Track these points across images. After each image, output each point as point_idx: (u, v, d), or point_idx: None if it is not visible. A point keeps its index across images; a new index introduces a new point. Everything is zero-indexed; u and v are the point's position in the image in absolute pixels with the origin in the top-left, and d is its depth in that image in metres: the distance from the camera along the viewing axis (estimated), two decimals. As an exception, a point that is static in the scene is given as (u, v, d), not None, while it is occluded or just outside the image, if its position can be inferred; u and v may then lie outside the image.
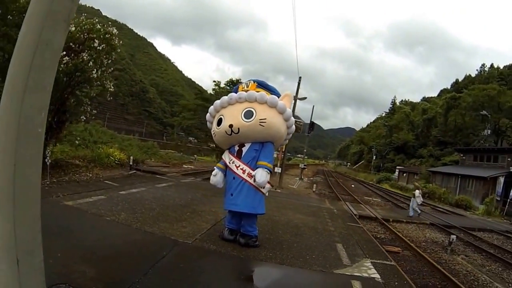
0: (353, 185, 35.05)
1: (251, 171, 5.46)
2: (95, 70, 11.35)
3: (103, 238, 4.85)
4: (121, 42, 12.72)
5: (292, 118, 5.83)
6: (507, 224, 17.81)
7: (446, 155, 50.48)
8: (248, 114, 5.37)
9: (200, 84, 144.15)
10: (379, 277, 5.17)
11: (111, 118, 68.37)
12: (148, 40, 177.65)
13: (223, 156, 5.98)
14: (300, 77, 28.62)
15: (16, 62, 1.85)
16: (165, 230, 5.78)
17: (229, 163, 5.68)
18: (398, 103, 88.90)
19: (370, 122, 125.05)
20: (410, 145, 64.06)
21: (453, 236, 9.34)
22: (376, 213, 13.60)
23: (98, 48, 11.00)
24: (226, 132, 5.47)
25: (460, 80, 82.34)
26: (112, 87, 13.12)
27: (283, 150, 22.33)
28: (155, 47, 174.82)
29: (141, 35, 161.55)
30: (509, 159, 28.82)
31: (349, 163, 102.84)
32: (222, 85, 45.40)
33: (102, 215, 6.00)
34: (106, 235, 5.03)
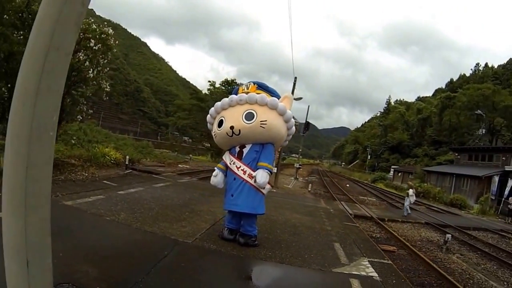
0: (348, 185, 35.25)
1: (251, 172, 5.51)
2: (91, 70, 11.34)
3: (104, 238, 4.87)
4: (116, 42, 12.71)
5: (292, 119, 5.89)
6: (502, 223, 18.08)
7: (441, 155, 50.89)
8: (249, 116, 5.42)
9: (194, 84, 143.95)
10: (377, 275, 5.26)
11: (105, 118, 68.08)
12: (142, 39, 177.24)
13: (223, 157, 6.03)
14: (295, 78, 28.73)
15: (27, 66, 1.86)
16: (165, 229, 5.81)
17: (230, 164, 5.74)
18: (393, 103, 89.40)
19: (365, 122, 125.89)
20: (405, 144, 64.46)
21: (448, 235, 9.48)
22: (371, 213, 13.72)
23: (94, 48, 10.99)
24: (227, 133, 5.51)
25: (454, 80, 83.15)
26: (108, 87, 13.11)
27: (279, 150, 22.41)
28: (148, 47, 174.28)
29: (134, 34, 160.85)
30: (503, 158, 29.11)
31: (343, 163, 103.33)
32: (217, 85, 45.52)
33: (102, 215, 6.01)
34: (106, 235, 5.05)
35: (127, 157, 15.97)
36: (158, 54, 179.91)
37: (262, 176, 5.40)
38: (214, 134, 5.89)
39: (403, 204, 14.93)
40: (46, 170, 1.96)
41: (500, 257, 9.20)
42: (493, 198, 23.97)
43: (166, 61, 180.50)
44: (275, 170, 19.34)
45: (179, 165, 23.42)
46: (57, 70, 1.88)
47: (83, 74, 10.95)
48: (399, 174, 50.62)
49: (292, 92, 26.77)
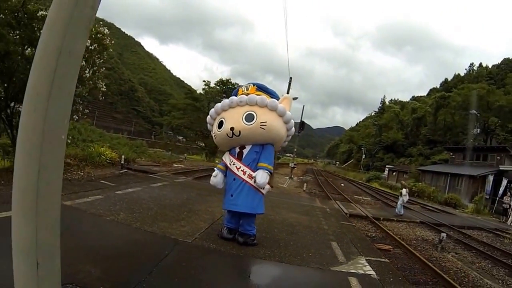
0: (342, 184, 35.41)
1: (251, 173, 5.58)
2: (87, 69, 11.31)
3: (104, 237, 4.90)
4: (112, 42, 12.68)
5: (292, 121, 5.96)
6: (496, 222, 18.28)
7: (436, 154, 51.20)
8: (249, 117, 5.48)
9: (188, 83, 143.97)
10: (374, 273, 5.35)
11: (99, 117, 67.69)
12: (136, 39, 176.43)
13: (223, 158, 6.08)
14: (290, 78, 28.81)
15: (38, 70, 1.88)
16: (164, 229, 5.84)
17: (230, 164, 5.79)
18: (387, 102, 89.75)
19: (360, 121, 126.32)
20: (399, 144, 64.81)
21: (443, 234, 9.58)
22: (366, 212, 13.81)
23: (90, 48, 10.95)
24: (227, 134, 5.57)
25: (449, 79, 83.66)
26: (104, 87, 13.09)
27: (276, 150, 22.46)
28: (142, 46, 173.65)
29: (128, 34, 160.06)
30: (498, 157, 29.35)
31: (338, 162, 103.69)
32: (212, 84, 45.50)
33: (101, 215, 6.02)
34: (107, 234, 5.08)
35: (123, 156, 15.96)
36: (152, 54, 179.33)
37: (262, 177, 5.47)
38: (214, 135, 5.93)
39: (398, 203, 15.06)
40: (57, 172, 1.99)
41: (495, 256, 9.33)
42: (488, 197, 24.12)
43: (160, 60, 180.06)
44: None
45: (174, 165, 23.41)
46: (69, 74, 1.91)
47: (80, 74, 10.91)
48: (394, 173, 50.91)
49: (287, 92, 26.89)
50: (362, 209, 14.67)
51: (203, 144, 45.98)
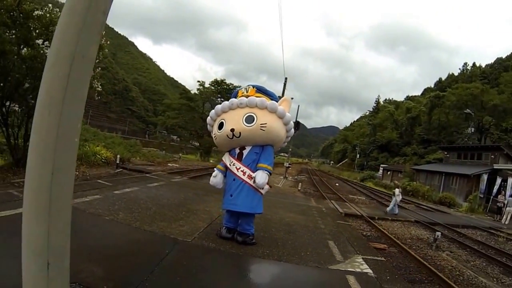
0: (337, 184, 35.59)
1: (251, 173, 5.66)
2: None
3: (105, 237, 4.94)
4: (108, 42, 12.67)
5: (291, 122, 6.05)
6: (491, 220, 18.45)
7: (430, 153, 51.41)
8: (249, 119, 5.57)
9: (183, 83, 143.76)
10: (372, 272, 5.45)
11: (93, 116, 67.31)
12: (129, 39, 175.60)
13: (223, 158, 6.16)
14: (286, 78, 28.94)
15: (51, 74, 1.91)
16: (164, 229, 5.89)
17: (230, 165, 5.87)
18: (382, 102, 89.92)
19: (354, 121, 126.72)
20: (394, 143, 65.06)
21: (438, 233, 9.71)
22: (361, 211, 13.93)
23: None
24: (227, 135, 5.65)
25: (443, 79, 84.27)
26: (100, 87, 13.07)
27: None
28: (136, 46, 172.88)
29: (122, 34, 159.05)
30: (492, 156, 29.54)
31: (332, 162, 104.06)
32: (206, 85, 45.44)
33: (100, 214, 6.05)
34: (107, 234, 5.11)
35: (118, 156, 15.96)
36: (145, 54, 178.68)
37: (261, 177, 5.56)
38: (215, 136, 6.00)
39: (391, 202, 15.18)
40: (70, 174, 2.04)
41: (489, 254, 9.47)
42: (482, 196, 24.25)
43: (153, 60, 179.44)
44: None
45: (169, 164, 23.39)
46: (82, 78, 1.95)
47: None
48: (388, 173, 51.18)
49: (283, 93, 27.01)
50: (357, 209, 14.79)
51: (198, 144, 45.94)
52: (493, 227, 15.00)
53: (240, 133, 5.56)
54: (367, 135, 76.82)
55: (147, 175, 13.71)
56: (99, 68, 12.40)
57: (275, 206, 10.84)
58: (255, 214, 6.04)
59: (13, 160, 10.03)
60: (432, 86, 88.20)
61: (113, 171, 14.01)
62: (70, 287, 3.26)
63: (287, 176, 32.28)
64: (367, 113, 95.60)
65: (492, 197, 22.62)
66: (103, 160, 15.03)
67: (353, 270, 5.41)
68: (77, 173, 10.63)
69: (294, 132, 6.43)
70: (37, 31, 9.76)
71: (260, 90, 6.05)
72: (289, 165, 35.76)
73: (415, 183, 33.25)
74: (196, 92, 46.20)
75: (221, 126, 5.79)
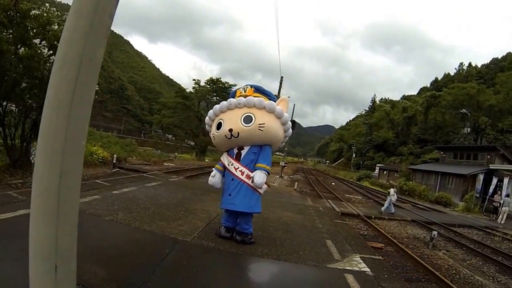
0: (333, 183, 35.66)
1: (249, 173, 5.70)
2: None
3: (106, 238, 4.95)
4: (105, 40, 12.62)
5: (289, 122, 6.09)
6: (486, 220, 18.58)
7: (426, 153, 51.59)
8: (248, 119, 5.60)
9: (178, 82, 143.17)
10: (369, 270, 5.52)
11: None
12: (125, 37, 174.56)
13: (221, 158, 6.20)
14: (281, 77, 28.99)
15: (59, 77, 1.92)
16: (163, 228, 5.92)
17: (228, 165, 5.90)
18: (378, 101, 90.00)
19: (350, 120, 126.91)
20: (390, 143, 65.20)
21: (435, 232, 9.80)
22: (358, 211, 14.00)
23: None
24: (226, 136, 5.68)
25: (439, 79, 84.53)
26: (97, 86, 13.01)
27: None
28: (131, 45, 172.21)
29: (117, 32, 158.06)
30: (488, 156, 29.69)
31: (328, 161, 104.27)
32: (202, 83, 45.35)
33: (100, 215, 6.06)
34: (108, 235, 5.13)
35: (115, 156, 15.94)
36: (141, 52, 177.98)
37: (260, 177, 5.61)
38: (213, 136, 6.03)
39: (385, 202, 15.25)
40: (77, 177, 2.06)
41: (485, 253, 9.59)
42: (478, 196, 24.31)
43: (149, 59, 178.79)
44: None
45: (165, 164, 23.36)
46: (89, 81, 1.97)
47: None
48: (385, 172, 51.34)
49: (279, 92, 27.06)
50: (354, 208, 14.88)
51: (193, 143, 45.85)
52: (489, 227, 15.12)
53: (238, 133, 5.60)
54: (363, 135, 76.98)
55: (144, 174, 13.70)
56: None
57: (272, 205, 10.88)
58: (253, 213, 6.09)
59: (10, 161, 9.97)
60: (428, 85, 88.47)
61: (110, 170, 13.99)
62: (75, 289, 3.30)
63: (283, 175, 32.30)
64: (363, 112, 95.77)
65: (488, 197, 22.77)
66: (100, 160, 15.02)
67: (351, 268, 5.48)
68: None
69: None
70: (34, 30, 9.71)
71: (258, 90, 6.09)
72: (285, 164, 35.81)
73: (411, 182, 33.39)
74: (192, 90, 46.09)
75: (219, 126, 5.82)
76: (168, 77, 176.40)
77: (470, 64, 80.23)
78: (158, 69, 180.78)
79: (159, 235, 5.51)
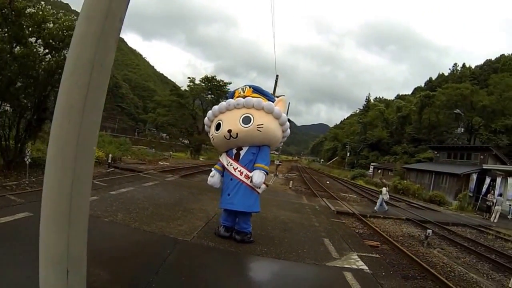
0: (328, 182, 35.80)
1: (248, 173, 5.76)
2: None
3: (106, 239, 4.95)
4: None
5: (287, 122, 6.15)
6: (480, 218, 18.80)
7: (420, 152, 51.67)
8: (246, 120, 5.66)
9: (172, 80, 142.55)
10: (367, 268, 5.62)
11: (82, 114, 66.15)
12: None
13: (220, 158, 6.25)
14: (277, 76, 29.01)
15: (70, 82, 1.93)
16: (163, 228, 5.96)
17: (227, 165, 5.95)
18: (372, 100, 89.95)
19: (344, 119, 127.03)
20: (384, 142, 65.20)
21: (429, 231, 9.93)
22: (353, 209, 14.09)
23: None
24: (225, 136, 5.73)
25: (433, 79, 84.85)
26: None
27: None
28: (126, 42, 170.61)
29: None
30: (481, 156, 29.98)
31: (322, 160, 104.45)
32: (197, 81, 45.20)
33: (99, 216, 6.06)
34: (108, 236, 5.13)
35: (110, 155, 15.88)
36: (135, 50, 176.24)
37: (259, 177, 5.68)
38: (212, 137, 6.07)
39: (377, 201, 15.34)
40: (88, 182, 2.09)
41: (479, 251, 9.73)
42: (471, 195, 24.59)
43: (143, 56, 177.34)
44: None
45: (160, 163, 23.28)
46: (101, 86, 2.00)
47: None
48: (379, 171, 51.54)
49: (274, 90, 27.08)
50: (349, 207, 14.98)
51: (188, 142, 45.70)
52: (483, 225, 15.31)
53: (237, 134, 5.65)
54: (358, 134, 76.99)
55: (140, 174, 13.67)
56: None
57: (269, 204, 10.92)
58: (252, 212, 6.14)
59: (4, 163, 9.86)
60: (423, 85, 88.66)
61: (105, 170, 13.93)
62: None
63: (277, 173, 32.32)
64: (357, 111, 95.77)
65: (481, 196, 23.05)
66: (95, 160, 14.92)
67: (350, 266, 5.57)
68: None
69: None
70: (29, 29, 9.62)
71: (257, 90, 6.14)
72: (280, 163, 35.84)
73: (405, 181, 33.60)
74: (187, 88, 45.92)
75: (218, 127, 5.87)
76: (162, 74, 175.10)
77: (464, 65, 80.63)
78: (153, 66, 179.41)
79: (159, 235, 5.54)
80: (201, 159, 38.40)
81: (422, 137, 57.72)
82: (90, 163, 2.05)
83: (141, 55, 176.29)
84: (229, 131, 5.66)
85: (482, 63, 79.19)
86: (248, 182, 5.76)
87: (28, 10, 9.60)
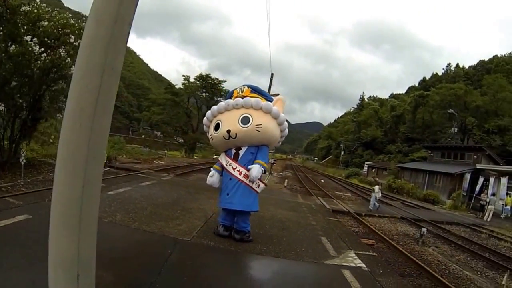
0: (322, 180, 35.95)
1: (247, 173, 5.81)
2: (72, 66, 11.10)
3: (106, 240, 4.91)
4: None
5: (286, 122, 6.21)
6: (473, 217, 19.07)
7: (414, 152, 51.96)
8: (245, 120, 5.71)
9: (166, 77, 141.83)
10: (365, 266, 5.72)
11: (75, 113, 65.68)
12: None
13: (219, 158, 6.28)
14: (272, 74, 29.02)
15: (80, 87, 1.93)
16: (162, 228, 5.98)
17: (226, 165, 5.99)
18: (366, 99, 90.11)
19: (338, 117, 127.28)
20: (378, 141, 65.41)
21: (424, 229, 10.06)
22: (348, 208, 14.20)
23: (74, 44, 10.74)
24: (224, 137, 5.77)
25: (427, 78, 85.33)
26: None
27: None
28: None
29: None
30: (475, 156, 30.37)
31: (316, 158, 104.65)
32: (191, 79, 45.05)
33: (99, 217, 5.99)
34: (108, 237, 5.10)
35: (105, 154, 15.79)
36: (129, 47, 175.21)
37: (257, 171, 5.73)
38: (211, 137, 6.10)
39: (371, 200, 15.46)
40: (98, 186, 2.11)
41: (473, 249, 9.92)
42: (465, 194, 24.91)
43: (137, 54, 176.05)
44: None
45: (155, 161, 23.17)
46: (111, 90, 2.01)
47: (64, 71, 10.68)
48: (373, 170, 51.83)
49: (269, 89, 27.10)
50: (344, 205, 15.07)
51: (182, 140, 45.58)
52: (476, 224, 15.56)
53: (236, 134, 5.70)
54: (352, 132, 77.15)
55: (136, 173, 13.62)
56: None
57: (265, 203, 10.94)
58: (251, 212, 6.19)
59: (-3, 164, 9.78)
60: (416, 84, 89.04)
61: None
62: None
63: (272, 172, 32.37)
64: (351, 110, 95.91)
65: (474, 195, 23.37)
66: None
67: (348, 264, 5.67)
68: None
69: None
70: (24, 27, 9.54)
71: (255, 90, 6.19)
72: (274, 162, 35.89)
73: (400, 180, 33.86)
74: (181, 86, 45.76)
75: (217, 127, 5.91)
76: (156, 72, 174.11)
77: (457, 65, 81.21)
78: (147, 64, 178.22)
79: (159, 235, 5.56)
80: (195, 157, 38.32)
81: (416, 137, 58.07)
82: (100, 166, 2.07)
83: (135, 53, 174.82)
84: (228, 131, 5.70)
85: (475, 63, 79.83)
86: (247, 181, 5.81)
87: (23, 8, 9.51)
